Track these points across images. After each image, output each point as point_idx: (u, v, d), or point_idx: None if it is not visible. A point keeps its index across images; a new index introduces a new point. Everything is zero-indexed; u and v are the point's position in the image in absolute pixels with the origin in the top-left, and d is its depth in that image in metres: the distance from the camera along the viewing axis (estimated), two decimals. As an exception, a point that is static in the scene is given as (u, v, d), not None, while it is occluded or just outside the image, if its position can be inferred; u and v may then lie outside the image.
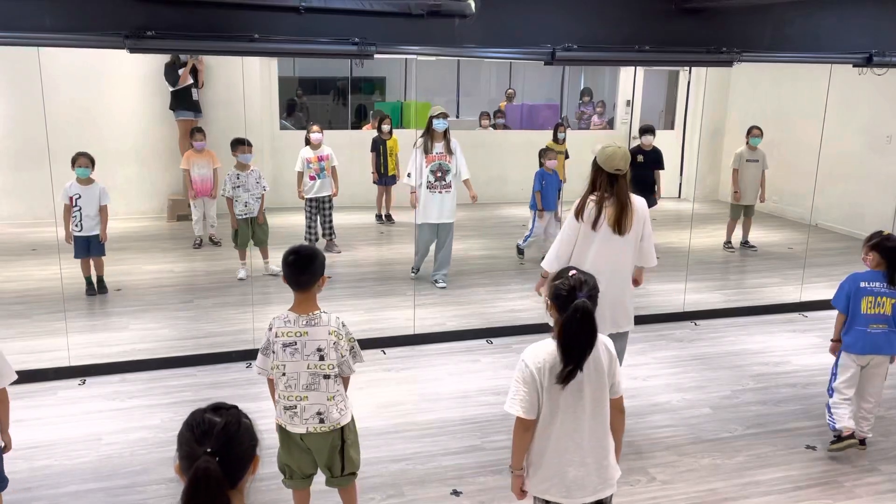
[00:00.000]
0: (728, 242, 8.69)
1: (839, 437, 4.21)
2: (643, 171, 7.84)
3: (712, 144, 11.61)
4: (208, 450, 1.68)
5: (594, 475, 2.71)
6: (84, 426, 4.44)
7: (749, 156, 8.41)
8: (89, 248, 6.55)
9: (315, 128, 7.85)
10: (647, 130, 8.31)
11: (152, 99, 9.53)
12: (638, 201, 4.16)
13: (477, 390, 5.00)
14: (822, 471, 4.08)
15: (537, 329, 6.10)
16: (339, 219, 8.28)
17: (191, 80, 9.29)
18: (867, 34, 5.79)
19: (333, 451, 3.21)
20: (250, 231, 7.13)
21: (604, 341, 2.72)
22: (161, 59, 9.22)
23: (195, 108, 9.45)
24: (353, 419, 3.27)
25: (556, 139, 9.10)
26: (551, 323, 2.74)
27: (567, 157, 9.16)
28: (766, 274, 7.91)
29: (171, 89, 9.31)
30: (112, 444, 4.22)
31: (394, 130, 9.51)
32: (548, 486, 2.75)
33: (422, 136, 6.90)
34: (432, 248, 7.13)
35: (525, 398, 2.66)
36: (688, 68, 11.36)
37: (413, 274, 7.23)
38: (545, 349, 2.66)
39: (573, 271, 2.69)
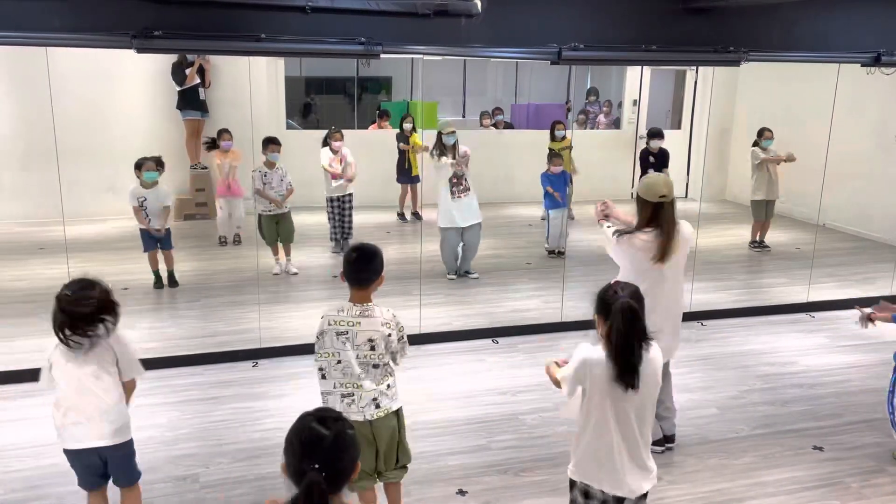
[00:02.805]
0: (754, 241, 8.68)
1: None
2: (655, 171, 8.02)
3: (719, 144, 11.56)
4: (315, 465, 1.82)
5: (636, 473, 2.82)
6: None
7: (763, 156, 8.39)
8: (157, 241, 6.72)
9: (337, 136, 7.94)
10: (656, 134, 8.43)
11: (159, 99, 9.55)
12: (684, 227, 3.95)
13: (483, 390, 4.99)
14: (829, 472, 4.06)
15: (543, 329, 6.11)
16: (355, 218, 8.34)
17: (198, 80, 9.31)
18: (875, 33, 5.76)
19: (392, 439, 3.29)
20: (276, 228, 7.32)
21: (656, 357, 2.80)
22: (168, 59, 9.25)
23: (202, 107, 9.47)
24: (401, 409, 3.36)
25: (553, 137, 9.09)
26: (599, 337, 2.81)
27: (571, 148, 9.16)
28: (773, 274, 7.88)
29: (178, 89, 9.33)
30: (119, 443, 4.23)
31: (415, 128, 9.58)
32: (591, 472, 2.85)
33: (434, 149, 7.14)
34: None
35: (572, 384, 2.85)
36: (695, 68, 11.32)
37: (452, 277, 7.31)
38: (597, 353, 2.78)
39: (614, 282, 2.87)
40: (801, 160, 8.48)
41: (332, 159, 7.94)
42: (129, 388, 3.26)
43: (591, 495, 2.86)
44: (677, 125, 12.21)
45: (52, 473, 3.91)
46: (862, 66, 5.81)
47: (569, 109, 12.77)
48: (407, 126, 9.45)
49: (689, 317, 6.34)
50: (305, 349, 5.51)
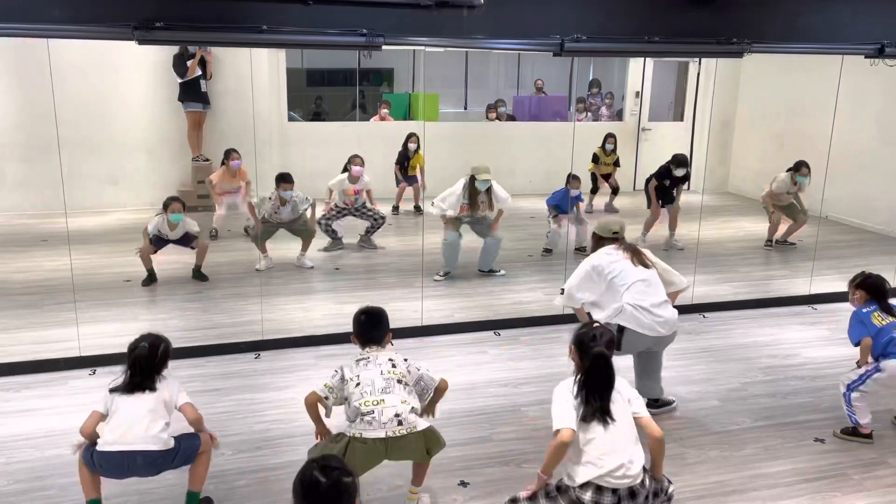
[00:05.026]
0: (769, 241, 8.50)
1: (855, 431, 4.25)
2: (673, 188, 8.28)
3: (722, 136, 11.55)
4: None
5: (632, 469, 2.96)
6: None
7: (791, 189, 8.20)
8: (182, 242, 6.81)
9: (357, 160, 7.85)
10: (681, 163, 8.25)
11: (161, 90, 9.54)
12: (648, 253, 4.60)
13: (485, 382, 5.00)
14: (830, 463, 4.07)
15: (545, 321, 6.11)
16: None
17: (199, 72, 9.30)
18: (879, 24, 5.73)
19: (420, 452, 3.35)
20: (274, 231, 7.36)
21: (620, 389, 3.05)
22: (170, 51, 9.23)
23: (204, 99, 9.46)
24: (431, 427, 3.41)
25: (604, 150, 9.89)
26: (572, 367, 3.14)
27: (618, 166, 9.96)
28: (775, 266, 7.87)
29: (179, 81, 9.32)
30: (122, 434, 4.25)
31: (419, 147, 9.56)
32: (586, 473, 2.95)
33: (461, 192, 7.00)
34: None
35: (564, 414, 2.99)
36: (697, 59, 11.28)
37: (440, 277, 7.10)
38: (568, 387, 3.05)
39: (596, 324, 3.24)
40: (803, 152, 8.46)
41: (347, 191, 7.84)
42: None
43: (563, 490, 2.98)
44: (680, 117, 12.19)
45: (56, 464, 3.93)
46: (865, 57, 5.79)
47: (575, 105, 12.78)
48: (412, 146, 9.38)
49: (691, 309, 6.36)
50: (308, 341, 5.56)
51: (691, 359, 5.46)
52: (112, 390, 3.35)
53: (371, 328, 3.49)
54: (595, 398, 2.94)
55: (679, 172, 8.24)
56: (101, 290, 6.54)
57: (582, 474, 2.91)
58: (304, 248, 7.45)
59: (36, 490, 3.73)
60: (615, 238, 4.54)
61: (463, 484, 3.83)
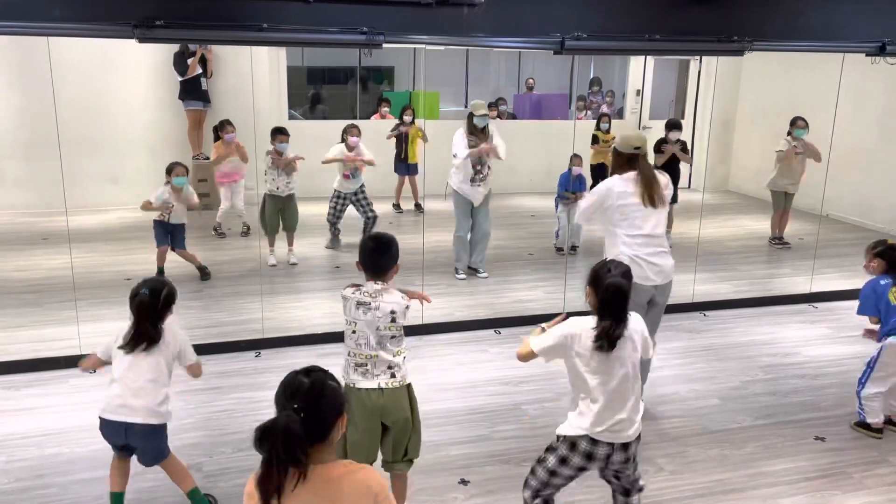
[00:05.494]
0: (775, 237, 8.45)
1: (865, 425, 4.28)
2: (672, 164, 8.03)
3: (723, 135, 11.54)
4: (295, 406, 1.93)
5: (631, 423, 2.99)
6: (95, 414, 4.43)
7: (793, 145, 8.09)
8: (173, 238, 6.77)
9: (354, 130, 7.88)
10: (674, 126, 8.21)
11: (161, 89, 9.54)
12: (661, 176, 4.41)
13: (485, 380, 5.00)
14: (830, 462, 4.07)
15: (545, 319, 6.08)
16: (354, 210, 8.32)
17: (200, 70, 9.29)
18: (880, 23, 5.72)
19: (406, 423, 3.29)
20: (278, 214, 7.37)
21: (636, 327, 3.02)
22: (170, 49, 9.23)
23: (204, 97, 9.45)
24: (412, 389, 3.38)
25: (598, 128, 9.74)
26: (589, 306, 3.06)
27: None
28: (775, 265, 7.87)
29: (179, 79, 9.31)
30: (122, 432, 4.25)
31: (416, 120, 9.56)
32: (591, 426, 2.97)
33: (464, 131, 6.95)
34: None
35: (548, 346, 3.07)
36: (698, 58, 11.27)
37: (461, 277, 7.11)
38: (586, 324, 2.99)
39: (609, 260, 3.15)
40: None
41: (346, 157, 7.84)
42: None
43: (576, 447, 3.00)
44: (680, 115, 12.17)
45: (57, 462, 3.94)
46: (867, 55, 5.78)
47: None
48: (407, 118, 9.39)
49: (691, 307, 6.36)
50: (308, 339, 5.55)
51: (692, 357, 5.46)
52: (120, 347, 3.37)
53: (379, 256, 3.27)
54: (610, 328, 2.90)
55: (674, 136, 8.16)
56: (102, 289, 6.53)
57: (577, 426, 2.98)
58: (290, 241, 7.48)
59: (37, 488, 3.73)
60: (636, 153, 4.28)
61: (463, 482, 3.83)
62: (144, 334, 3.34)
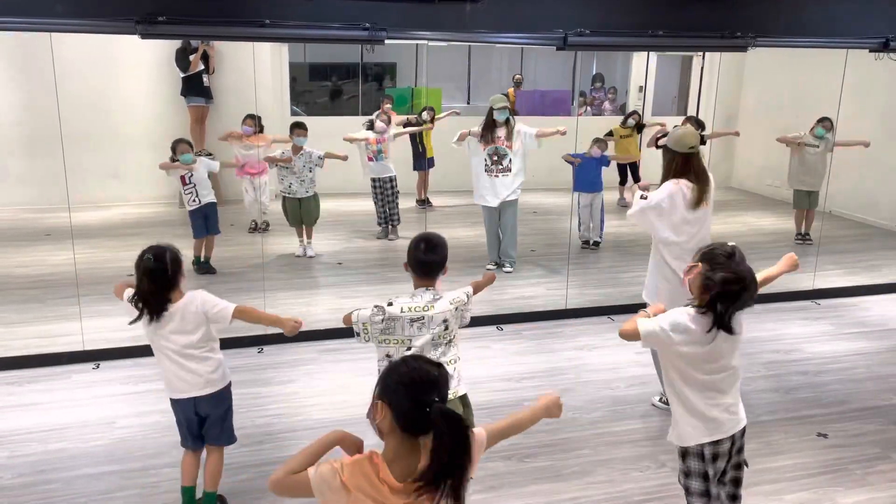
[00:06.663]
0: (799, 234, 8.33)
1: None
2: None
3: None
4: (436, 399, 1.99)
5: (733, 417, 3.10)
6: (98, 410, 4.48)
7: (812, 141, 7.98)
8: (206, 223, 6.87)
9: (384, 117, 8.06)
10: (698, 125, 8.08)
11: (163, 85, 9.54)
12: (711, 177, 4.26)
13: (487, 377, 5.00)
14: (833, 458, 4.07)
15: (548, 316, 6.11)
16: (361, 205, 8.36)
17: (202, 66, 9.28)
18: (884, 19, 5.71)
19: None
20: (299, 209, 7.50)
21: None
22: (172, 45, 9.22)
23: (206, 93, 9.45)
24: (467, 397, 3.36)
25: (624, 124, 9.82)
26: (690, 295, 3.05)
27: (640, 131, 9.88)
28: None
29: (182, 75, 9.31)
30: (126, 428, 4.27)
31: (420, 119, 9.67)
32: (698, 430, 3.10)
33: (480, 127, 6.93)
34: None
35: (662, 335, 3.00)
36: (701, 54, 11.25)
37: (491, 268, 7.18)
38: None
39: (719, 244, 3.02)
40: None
41: (369, 140, 8.02)
42: None
43: (703, 457, 3.12)
44: (683, 111, 12.16)
45: (60, 458, 3.95)
46: (870, 51, 5.77)
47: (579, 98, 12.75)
48: (426, 116, 9.53)
49: (693, 304, 6.35)
50: (311, 335, 5.55)
51: (694, 354, 5.45)
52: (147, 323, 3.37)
53: (429, 258, 3.17)
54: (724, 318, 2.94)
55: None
56: (105, 285, 6.50)
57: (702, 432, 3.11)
58: (308, 234, 7.60)
59: (40, 484, 3.74)
60: (691, 153, 4.08)
61: (465, 478, 3.83)
62: (163, 306, 3.27)
